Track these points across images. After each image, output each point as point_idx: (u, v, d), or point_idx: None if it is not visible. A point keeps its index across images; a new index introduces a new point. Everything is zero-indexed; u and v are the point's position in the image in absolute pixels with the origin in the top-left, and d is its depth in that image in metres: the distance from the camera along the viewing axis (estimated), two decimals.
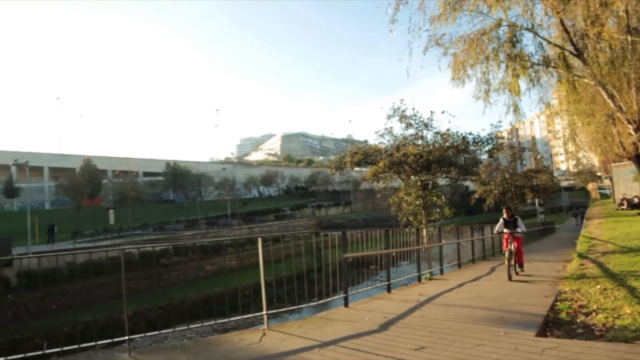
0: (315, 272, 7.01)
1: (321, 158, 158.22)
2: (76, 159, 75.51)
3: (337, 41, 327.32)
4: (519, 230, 9.96)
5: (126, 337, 5.23)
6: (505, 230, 10.03)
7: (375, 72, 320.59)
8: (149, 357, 4.82)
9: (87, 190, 63.00)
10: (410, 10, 9.37)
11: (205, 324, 6.47)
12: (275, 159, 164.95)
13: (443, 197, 15.51)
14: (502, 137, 40.44)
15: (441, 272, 11.13)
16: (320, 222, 58.05)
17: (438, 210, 15.64)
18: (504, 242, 10.02)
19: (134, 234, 43.82)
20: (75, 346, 5.28)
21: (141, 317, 19.08)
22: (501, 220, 10.26)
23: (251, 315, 6.05)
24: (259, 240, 6.27)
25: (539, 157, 58.16)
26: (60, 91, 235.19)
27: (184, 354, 4.68)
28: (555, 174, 70.77)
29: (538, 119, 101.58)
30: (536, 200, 44.96)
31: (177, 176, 72.57)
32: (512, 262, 9.48)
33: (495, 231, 10.73)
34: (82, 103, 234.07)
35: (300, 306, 6.49)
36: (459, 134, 15.20)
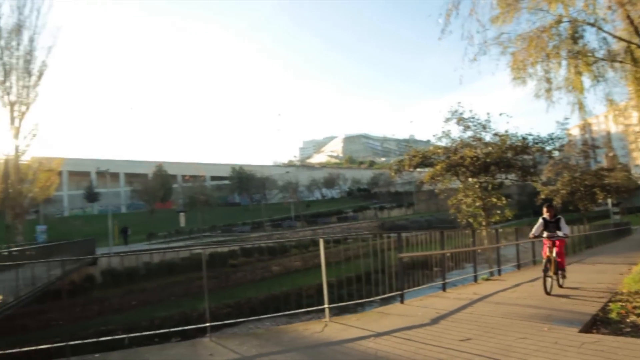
0: (373, 273, 7.52)
1: (383, 159, 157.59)
2: (148, 165, 79.75)
3: (397, 41, 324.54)
4: (560, 233, 8.37)
5: (207, 324, 6.00)
6: (543, 235, 8.57)
7: (435, 71, 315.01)
8: (227, 341, 5.55)
9: (159, 195, 66.58)
10: (463, 17, 9.53)
11: (275, 314, 7.15)
12: (337, 160, 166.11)
13: (504, 199, 15.49)
14: (570, 135, 38.84)
15: (499, 272, 11.28)
16: (382, 224, 58.13)
17: (499, 211, 15.62)
18: (544, 248, 8.52)
19: (204, 236, 45.95)
20: (163, 331, 6.11)
21: (211, 314, 20.30)
22: (540, 220, 8.68)
23: (314, 308, 6.70)
24: (321, 241, 6.89)
25: (611, 154, 55.16)
26: (130, 98, 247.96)
27: (257, 340, 5.40)
28: (634, 171, 66.68)
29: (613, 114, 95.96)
30: (609, 200, 42.80)
31: (243, 180, 75.06)
32: (552, 272, 7.90)
33: (531, 234, 8.79)
34: (152, 109, 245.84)
35: (359, 301, 7.09)
36: (518, 135, 15.19)
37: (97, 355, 5.05)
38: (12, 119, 28.40)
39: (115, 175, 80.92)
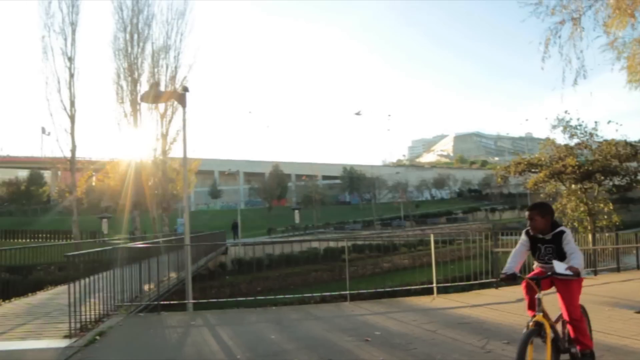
0: (472, 263, 9.20)
1: (496, 159, 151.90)
2: (265, 165, 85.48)
3: (510, 39, 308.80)
4: (560, 266, 3.71)
5: (347, 292, 8.17)
6: (533, 266, 4.34)
7: (547, 68, 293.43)
8: (361, 305, 7.70)
9: (276, 193, 71.49)
10: (562, 39, 10.29)
11: (392, 288, 9.16)
12: (447, 160, 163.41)
13: (611, 204, 15.87)
14: None
15: (594, 273, 12.15)
16: (493, 226, 57.41)
17: (605, 217, 16.01)
18: (524, 292, 4.12)
19: (318, 232, 49.08)
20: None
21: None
22: (523, 237, 4.28)
23: (425, 286, 8.62)
24: (432, 235, 8.74)
25: None
26: (248, 98, 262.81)
27: (383, 305, 7.53)
28: None
29: None
30: None
31: (353, 179, 77.84)
32: (547, 349, 3.56)
33: (503, 272, 4.12)
34: (268, 110, 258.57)
35: (460, 283, 8.87)
36: (628, 142, 15.43)
37: (273, 307, 7.48)
38: (162, 128, 33.40)
39: (234, 174, 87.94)
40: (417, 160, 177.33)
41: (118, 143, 41.50)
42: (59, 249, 25.62)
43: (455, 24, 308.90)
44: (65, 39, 31.89)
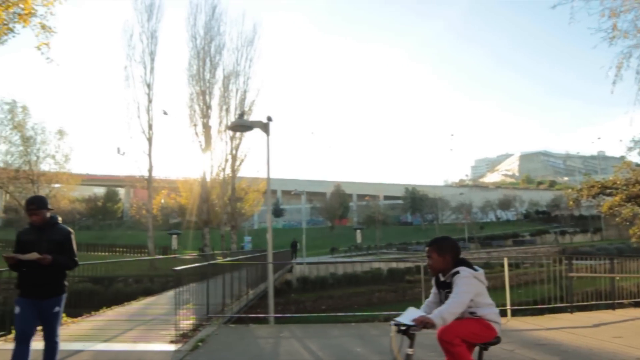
0: (546, 288, 9.27)
1: (566, 178, 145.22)
2: (327, 184, 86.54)
3: (571, 59, 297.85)
4: (401, 318, 3.24)
5: None
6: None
7: (618, 90, 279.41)
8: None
9: (338, 212, 72.12)
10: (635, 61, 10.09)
11: None
12: (512, 180, 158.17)
13: None
14: None
15: None
16: (563, 250, 55.12)
17: None
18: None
19: (381, 252, 49.05)
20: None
21: None
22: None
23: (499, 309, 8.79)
24: (505, 260, 8.91)
25: None
26: (307, 119, 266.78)
27: None
28: None
29: None
30: None
31: (416, 200, 77.18)
32: None
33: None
34: (328, 130, 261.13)
35: (534, 307, 8.97)
36: None
37: (353, 324, 7.95)
38: (231, 149, 35.00)
39: (298, 194, 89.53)
40: (481, 180, 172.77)
41: (189, 163, 43.73)
42: (136, 264, 27.38)
43: (515, 45, 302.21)
44: (145, 68, 34.35)
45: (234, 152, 35.05)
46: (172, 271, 8.08)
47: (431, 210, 77.95)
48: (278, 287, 30.23)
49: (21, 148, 34.72)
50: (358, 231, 55.86)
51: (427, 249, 3.47)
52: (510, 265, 19.66)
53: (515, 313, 8.83)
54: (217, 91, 35.79)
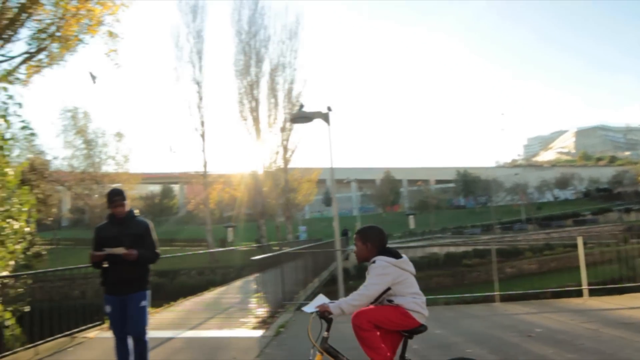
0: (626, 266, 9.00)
1: (627, 153, 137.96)
2: (376, 171, 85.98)
3: (617, 32, 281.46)
4: (306, 307, 3.31)
5: (496, 293, 8.47)
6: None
7: None
8: (510, 305, 7.96)
9: (389, 198, 71.73)
10: None
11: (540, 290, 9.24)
12: (569, 157, 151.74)
13: None
14: None
15: None
16: (629, 227, 52.61)
17: None
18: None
19: (435, 237, 48.56)
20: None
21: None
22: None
23: (574, 288, 8.62)
24: (579, 239, 8.70)
25: None
26: (352, 104, 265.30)
27: (534, 306, 7.72)
28: None
29: None
30: None
31: (468, 182, 75.63)
32: None
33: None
34: (373, 115, 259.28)
35: (616, 286, 8.74)
36: None
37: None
38: (282, 141, 35.46)
39: (347, 181, 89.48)
40: (534, 159, 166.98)
41: (241, 157, 44.68)
42: (196, 257, 28.33)
43: (558, 22, 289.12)
44: (194, 67, 35.29)
45: (284, 143, 35.53)
46: (250, 260, 8.37)
47: (484, 192, 76.14)
48: (335, 275, 30.63)
49: (84, 151, 36.45)
50: (410, 217, 55.41)
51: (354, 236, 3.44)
52: (572, 245, 19.06)
53: (593, 293, 8.62)
54: (264, 84, 36.33)
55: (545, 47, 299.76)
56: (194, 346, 6.43)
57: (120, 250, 4.14)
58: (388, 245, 3.40)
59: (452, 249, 36.62)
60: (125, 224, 4.39)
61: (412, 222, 54.18)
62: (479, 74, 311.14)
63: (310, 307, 3.21)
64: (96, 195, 35.98)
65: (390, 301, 3.15)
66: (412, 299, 3.14)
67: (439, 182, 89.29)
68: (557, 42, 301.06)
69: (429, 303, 9.34)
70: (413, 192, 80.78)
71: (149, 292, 4.47)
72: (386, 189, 72.86)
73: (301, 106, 9.88)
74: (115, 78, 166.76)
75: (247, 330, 7.12)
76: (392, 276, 3.12)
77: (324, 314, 3.11)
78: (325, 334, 3.14)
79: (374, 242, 3.30)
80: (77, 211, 59.73)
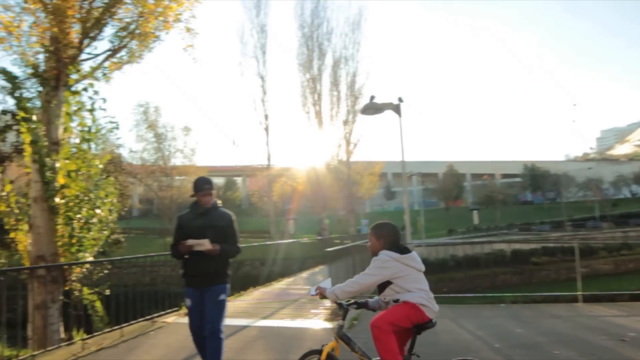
0: None
1: None
2: (438, 165, 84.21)
3: None
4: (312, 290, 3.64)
5: (578, 293, 8.04)
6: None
7: None
8: (595, 306, 7.53)
9: (453, 193, 70.06)
10: None
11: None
12: None
13: None
14: None
15: None
16: None
17: None
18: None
19: (502, 234, 47.00)
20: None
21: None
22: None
23: None
24: None
25: None
26: (417, 99, 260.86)
27: (620, 308, 7.25)
28: None
29: None
30: None
31: (536, 177, 72.52)
32: None
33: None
34: (436, 109, 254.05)
35: None
36: None
37: (502, 305, 7.74)
38: (344, 134, 35.39)
39: (409, 175, 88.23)
40: (609, 152, 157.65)
41: (304, 150, 45.06)
42: (259, 248, 28.90)
43: (616, 11, 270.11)
44: (257, 61, 35.95)
45: (347, 136, 35.44)
46: (314, 253, 8.38)
47: (554, 187, 72.67)
48: None
49: (155, 145, 38.08)
50: (474, 212, 53.97)
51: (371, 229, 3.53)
52: None
53: None
54: (326, 78, 36.38)
55: (615, 39, 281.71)
56: (269, 335, 6.52)
57: (204, 246, 4.01)
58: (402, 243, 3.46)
59: (519, 246, 35.22)
60: (209, 215, 4.23)
61: (476, 218, 52.79)
62: (547, 66, 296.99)
63: (313, 290, 3.49)
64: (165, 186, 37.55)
65: (396, 301, 3.20)
66: (419, 293, 3.18)
67: (504, 176, 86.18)
68: (626, 34, 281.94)
69: (495, 301, 9.00)
70: (477, 186, 78.49)
71: (228, 286, 4.31)
72: (449, 183, 71.12)
73: (372, 97, 9.76)
74: (183, 73, 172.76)
75: (320, 322, 7.14)
76: (391, 270, 3.20)
77: (342, 304, 3.38)
78: (340, 322, 3.38)
79: (387, 238, 3.38)
80: (146, 202, 62.49)
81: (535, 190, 76.96)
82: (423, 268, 3.29)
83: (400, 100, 9.76)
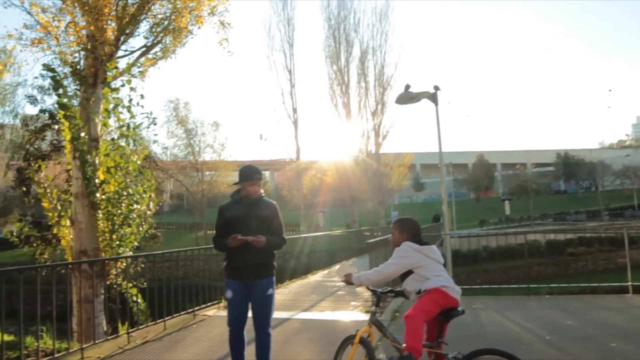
0: None
1: None
2: (468, 155, 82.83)
3: None
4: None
5: (629, 284, 7.75)
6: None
7: None
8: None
9: (484, 183, 68.91)
10: None
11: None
12: None
13: None
14: None
15: None
16: None
17: None
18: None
19: (535, 224, 46.05)
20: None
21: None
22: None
23: None
24: None
25: None
26: (445, 88, 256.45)
27: None
28: None
29: None
30: None
31: (570, 165, 70.65)
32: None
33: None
34: (465, 98, 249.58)
35: None
36: None
37: (547, 296, 7.52)
38: (373, 126, 35.17)
39: (435, 167, 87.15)
40: None
41: (332, 142, 44.99)
42: (291, 242, 28.96)
43: None
44: (285, 55, 35.93)
45: (376, 128, 35.20)
46: (365, 244, 8.33)
47: (589, 176, 70.64)
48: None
49: (185, 141, 38.50)
50: (506, 202, 52.92)
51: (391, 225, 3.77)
52: None
53: None
54: (354, 69, 36.18)
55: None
56: (312, 328, 6.49)
57: (257, 239, 3.83)
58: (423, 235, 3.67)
59: (554, 237, 34.42)
60: (254, 205, 4.03)
61: (507, 208, 51.77)
62: (577, 53, 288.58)
63: (340, 275, 3.62)
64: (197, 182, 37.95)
65: (418, 293, 3.31)
66: (438, 278, 3.30)
67: (536, 165, 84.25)
68: None
69: (531, 292, 8.76)
70: (508, 176, 76.93)
71: (274, 280, 4.13)
72: (480, 173, 69.97)
73: (407, 86, 9.59)
74: (210, 68, 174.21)
75: (361, 314, 7.08)
76: (411, 259, 3.37)
77: (375, 292, 3.62)
78: (374, 308, 3.58)
79: (409, 232, 3.57)
80: (177, 197, 63.41)
81: (568, 179, 75.02)
82: (442, 260, 3.44)
83: (436, 88, 9.56)
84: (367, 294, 7.99)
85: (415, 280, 3.34)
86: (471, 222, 50.39)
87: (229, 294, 3.99)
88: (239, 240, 3.82)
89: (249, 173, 4.05)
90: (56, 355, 5.04)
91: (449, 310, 3.22)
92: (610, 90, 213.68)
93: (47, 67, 8.00)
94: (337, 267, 8.40)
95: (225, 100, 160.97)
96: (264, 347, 3.96)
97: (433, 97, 9.54)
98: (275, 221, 4.10)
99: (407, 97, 9.53)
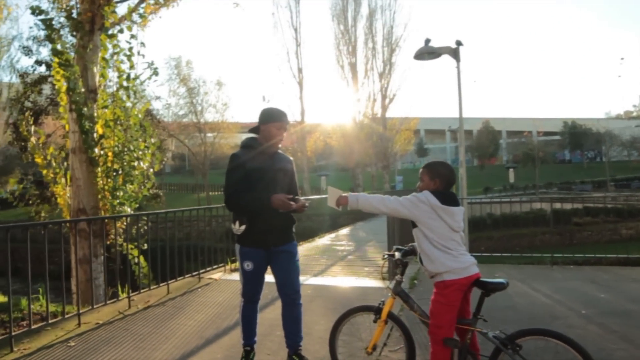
0: None
1: None
2: (473, 121, 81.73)
3: None
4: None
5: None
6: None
7: None
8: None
9: (488, 150, 68.26)
10: None
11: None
12: None
13: None
14: None
15: None
16: None
17: None
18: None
19: (540, 192, 45.70)
20: None
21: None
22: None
23: None
24: None
25: None
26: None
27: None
28: None
29: None
30: None
31: (576, 135, 69.80)
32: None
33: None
34: (468, 62, 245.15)
35: None
36: None
37: (571, 266, 7.11)
38: (380, 88, 34.33)
39: (441, 133, 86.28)
40: None
41: (337, 104, 44.22)
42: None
43: None
44: (291, 12, 34.62)
45: (383, 90, 34.36)
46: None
47: (595, 146, 69.81)
48: None
49: (187, 100, 37.73)
50: (511, 170, 52.41)
51: (420, 170, 3.05)
52: None
53: None
54: (361, 29, 35.05)
55: None
56: (326, 295, 6.11)
57: (299, 205, 3.27)
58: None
59: (560, 206, 34.08)
60: (277, 156, 3.44)
61: (512, 176, 51.30)
62: (586, 21, 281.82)
63: (332, 203, 2.94)
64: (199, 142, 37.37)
65: (432, 277, 2.78)
66: (446, 254, 2.72)
67: (544, 134, 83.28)
68: None
69: (534, 261, 8.30)
70: (513, 144, 76.04)
71: (296, 244, 3.60)
72: (485, 140, 69.20)
73: (427, 40, 8.95)
74: (212, 25, 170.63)
75: (376, 281, 6.69)
76: (419, 213, 2.78)
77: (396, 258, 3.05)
78: (398, 277, 3.06)
79: (443, 179, 2.90)
80: (179, 158, 62.96)
81: (574, 148, 74.27)
82: (457, 227, 2.80)
83: (458, 43, 8.91)
84: (380, 260, 7.60)
85: (417, 237, 2.82)
86: (475, 189, 50.03)
87: (248, 265, 3.36)
88: (288, 205, 3.21)
89: (277, 114, 3.38)
90: (51, 321, 4.64)
91: (483, 284, 2.68)
92: (622, 59, 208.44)
93: (36, 9, 7.33)
94: (344, 231, 7.95)
95: (228, 60, 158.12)
96: (298, 320, 3.50)
97: (455, 53, 8.91)
98: (295, 177, 3.56)
99: (427, 52, 8.90)
